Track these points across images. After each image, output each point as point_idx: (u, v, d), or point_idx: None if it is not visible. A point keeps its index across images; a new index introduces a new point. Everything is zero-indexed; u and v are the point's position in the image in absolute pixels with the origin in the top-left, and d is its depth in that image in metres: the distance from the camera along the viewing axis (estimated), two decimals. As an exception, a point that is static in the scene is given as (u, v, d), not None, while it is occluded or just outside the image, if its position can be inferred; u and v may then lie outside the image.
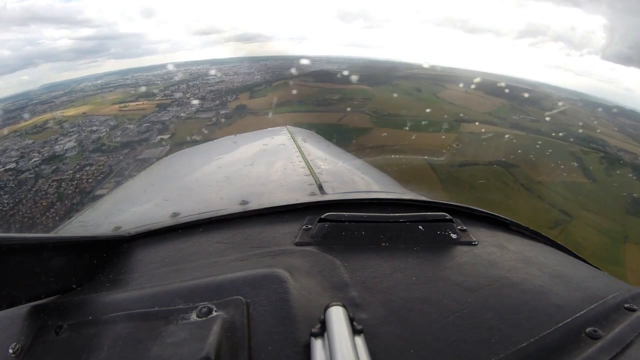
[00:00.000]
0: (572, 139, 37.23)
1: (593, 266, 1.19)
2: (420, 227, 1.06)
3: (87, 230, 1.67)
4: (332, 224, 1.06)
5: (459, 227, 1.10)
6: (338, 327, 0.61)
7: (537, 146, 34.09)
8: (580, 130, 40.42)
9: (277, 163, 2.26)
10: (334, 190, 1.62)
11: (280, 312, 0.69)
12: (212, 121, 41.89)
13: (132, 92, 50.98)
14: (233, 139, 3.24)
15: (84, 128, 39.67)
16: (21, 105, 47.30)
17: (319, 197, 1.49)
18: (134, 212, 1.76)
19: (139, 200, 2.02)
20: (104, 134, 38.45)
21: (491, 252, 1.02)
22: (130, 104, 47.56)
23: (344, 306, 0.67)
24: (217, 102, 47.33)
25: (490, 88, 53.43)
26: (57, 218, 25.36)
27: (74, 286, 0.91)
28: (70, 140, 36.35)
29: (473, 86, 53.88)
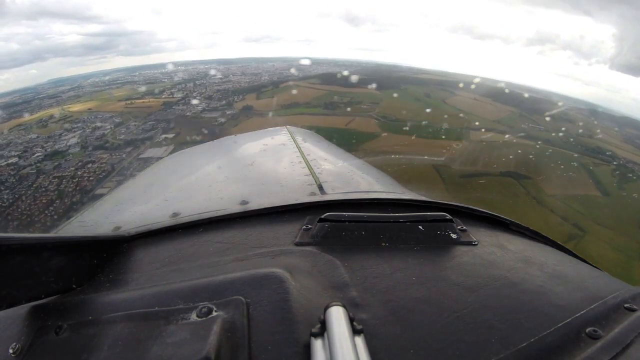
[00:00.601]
0: (582, 150, 36.57)
1: (593, 266, 1.17)
2: (420, 227, 1.05)
3: (87, 230, 1.65)
4: (332, 224, 1.06)
5: (459, 227, 1.10)
6: (338, 327, 0.61)
7: (548, 156, 33.44)
8: (589, 141, 39.77)
9: (277, 163, 2.24)
10: (334, 190, 1.61)
11: (280, 312, 0.69)
12: (217, 121, 41.55)
13: (139, 89, 50.83)
14: (233, 139, 3.19)
15: (88, 124, 39.67)
16: (28, 99, 47.37)
17: (319, 197, 1.48)
18: (134, 212, 1.75)
19: (139, 200, 2.00)
20: (108, 130, 38.31)
21: (491, 252, 1.02)
22: (137, 101, 47.54)
23: (344, 306, 0.67)
24: (224, 102, 47.07)
25: (499, 95, 52.86)
26: (55, 217, 25.00)
27: (74, 286, 0.91)
28: (74, 137, 36.27)
29: (481, 93, 53.21)
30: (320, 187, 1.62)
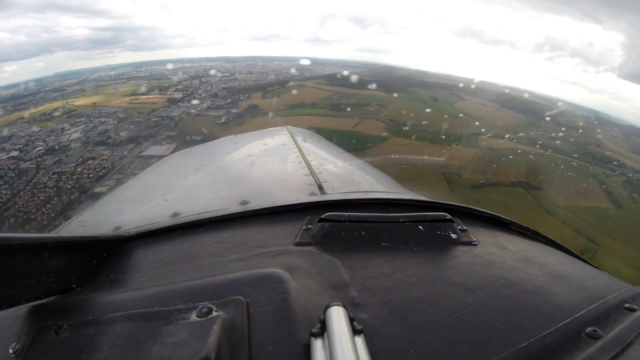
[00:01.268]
0: (591, 160, 35.71)
1: (593, 266, 1.17)
2: (421, 227, 1.05)
3: (87, 230, 1.65)
4: (332, 224, 1.06)
5: (459, 227, 1.09)
6: (338, 327, 0.61)
7: (557, 165, 32.58)
8: (597, 150, 38.88)
9: (277, 163, 2.24)
10: (334, 190, 1.60)
11: (280, 312, 0.69)
12: (221, 120, 40.96)
13: (145, 85, 50.40)
14: (233, 139, 3.18)
15: (92, 119, 39.28)
16: (33, 91, 47.08)
17: (319, 197, 1.47)
18: (134, 212, 1.74)
19: (139, 200, 1.98)
20: (111, 126, 37.84)
21: (491, 252, 1.02)
22: (142, 97, 47.10)
23: (344, 306, 0.67)
24: (229, 100, 46.47)
25: (507, 101, 51.96)
26: (52, 215, 24.46)
27: (74, 286, 0.91)
28: (76, 131, 35.90)
29: (489, 98, 52.36)
30: (320, 187, 1.61)
